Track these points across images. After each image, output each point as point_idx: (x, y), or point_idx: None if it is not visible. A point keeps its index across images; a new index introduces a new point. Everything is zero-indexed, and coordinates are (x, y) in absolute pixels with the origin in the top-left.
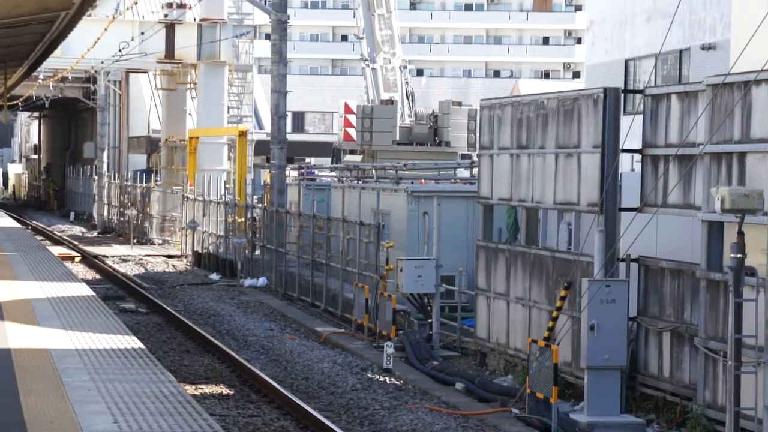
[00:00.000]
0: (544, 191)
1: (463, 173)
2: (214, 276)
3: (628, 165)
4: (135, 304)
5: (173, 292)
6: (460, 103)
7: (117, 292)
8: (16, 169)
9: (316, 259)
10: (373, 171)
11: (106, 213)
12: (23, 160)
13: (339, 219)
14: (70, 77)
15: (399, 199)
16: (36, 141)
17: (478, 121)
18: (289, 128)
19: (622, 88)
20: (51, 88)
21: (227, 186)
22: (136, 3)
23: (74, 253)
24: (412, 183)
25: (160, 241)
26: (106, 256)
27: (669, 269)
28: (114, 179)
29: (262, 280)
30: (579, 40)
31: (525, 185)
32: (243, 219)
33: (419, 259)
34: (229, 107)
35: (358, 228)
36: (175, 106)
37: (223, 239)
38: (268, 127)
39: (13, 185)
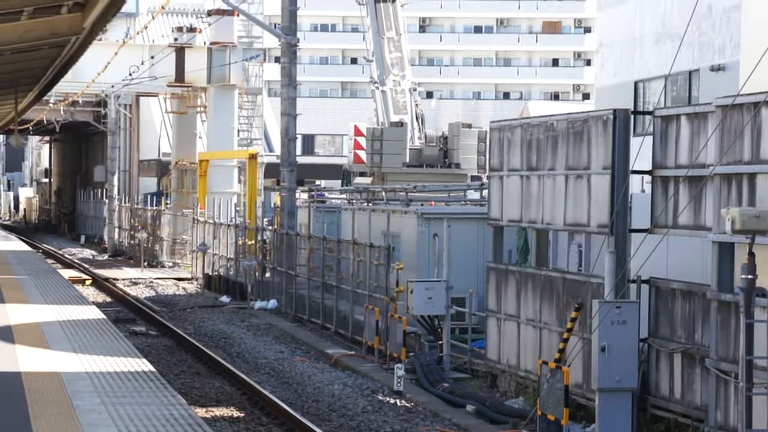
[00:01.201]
0: (554, 213)
1: (473, 195)
2: (225, 298)
3: (638, 186)
4: (146, 326)
5: (184, 315)
6: (470, 125)
7: (128, 314)
8: (27, 193)
9: (326, 281)
10: (383, 193)
11: (116, 236)
12: (34, 183)
13: (349, 241)
14: (80, 101)
15: (409, 221)
16: (47, 165)
17: (488, 143)
18: (299, 151)
19: (632, 109)
20: (62, 112)
21: (237, 208)
22: (146, 27)
23: (85, 276)
24: (422, 205)
25: (171, 264)
26: (117, 279)
27: (680, 290)
28: (124, 202)
29: (272, 303)
30: (588, 62)
31: (535, 207)
32: (253, 241)
33: (430, 281)
34: (239, 130)
35: (368, 250)
36: (185, 129)
37: (233, 262)
38: (278, 150)
39: (24, 209)
